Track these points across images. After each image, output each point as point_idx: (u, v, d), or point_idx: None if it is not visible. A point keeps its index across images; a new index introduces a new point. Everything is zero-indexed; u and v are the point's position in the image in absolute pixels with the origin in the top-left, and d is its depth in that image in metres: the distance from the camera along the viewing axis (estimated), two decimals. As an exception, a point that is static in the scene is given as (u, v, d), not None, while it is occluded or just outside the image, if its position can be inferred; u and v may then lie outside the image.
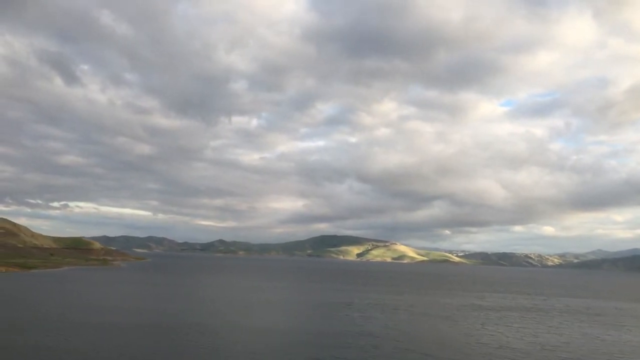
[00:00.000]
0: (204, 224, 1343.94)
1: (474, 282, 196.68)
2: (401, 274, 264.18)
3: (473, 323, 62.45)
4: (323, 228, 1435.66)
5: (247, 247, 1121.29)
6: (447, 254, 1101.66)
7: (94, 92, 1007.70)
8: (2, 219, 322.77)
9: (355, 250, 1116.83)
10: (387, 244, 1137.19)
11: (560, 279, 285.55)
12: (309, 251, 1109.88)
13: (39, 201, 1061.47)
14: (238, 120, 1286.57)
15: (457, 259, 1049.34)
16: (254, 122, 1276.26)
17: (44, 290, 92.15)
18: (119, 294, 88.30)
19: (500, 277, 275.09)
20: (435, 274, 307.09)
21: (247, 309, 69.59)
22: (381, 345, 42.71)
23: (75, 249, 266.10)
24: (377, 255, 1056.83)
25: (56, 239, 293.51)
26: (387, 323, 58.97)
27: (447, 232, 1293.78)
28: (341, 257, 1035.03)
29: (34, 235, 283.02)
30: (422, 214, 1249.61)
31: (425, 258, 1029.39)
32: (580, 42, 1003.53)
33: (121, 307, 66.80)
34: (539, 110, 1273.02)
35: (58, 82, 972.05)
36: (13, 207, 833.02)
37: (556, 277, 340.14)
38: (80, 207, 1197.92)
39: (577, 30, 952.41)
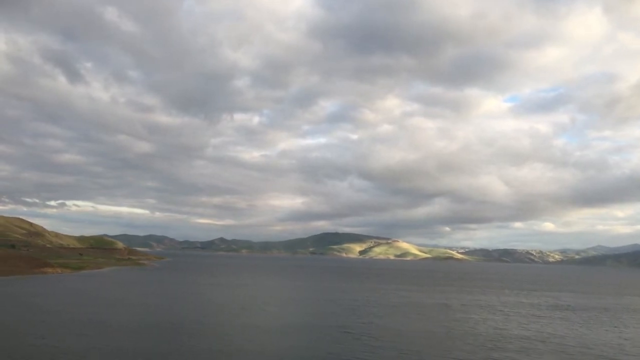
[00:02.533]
0: (202, 222, 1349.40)
1: (502, 280, 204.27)
2: (420, 272, 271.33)
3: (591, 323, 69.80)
4: (322, 226, 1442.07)
5: (249, 246, 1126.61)
6: (450, 251, 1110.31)
7: (96, 90, 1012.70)
8: (18, 218, 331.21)
9: (358, 247, 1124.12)
10: (389, 241, 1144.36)
11: (576, 276, 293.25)
12: (311, 249, 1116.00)
13: (36, 200, 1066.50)
14: (240, 117, 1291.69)
15: (460, 256, 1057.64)
16: (256, 119, 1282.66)
17: (116, 290, 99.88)
18: (185, 294, 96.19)
19: (518, 274, 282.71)
20: (450, 271, 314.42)
21: (311, 308, 77.07)
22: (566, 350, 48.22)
23: (100, 249, 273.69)
24: (380, 252, 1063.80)
25: (79, 239, 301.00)
26: (513, 325, 65.68)
27: (447, 229, 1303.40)
28: (344, 254, 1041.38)
29: (57, 235, 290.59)
30: (422, 211, 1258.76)
31: (428, 255, 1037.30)
32: (589, 37, 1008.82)
33: (202, 306, 74.78)
34: (544, 105, 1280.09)
35: (61, 80, 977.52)
36: (10, 206, 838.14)
37: (569, 273, 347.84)
38: (78, 206, 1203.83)
39: (586, 25, 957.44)
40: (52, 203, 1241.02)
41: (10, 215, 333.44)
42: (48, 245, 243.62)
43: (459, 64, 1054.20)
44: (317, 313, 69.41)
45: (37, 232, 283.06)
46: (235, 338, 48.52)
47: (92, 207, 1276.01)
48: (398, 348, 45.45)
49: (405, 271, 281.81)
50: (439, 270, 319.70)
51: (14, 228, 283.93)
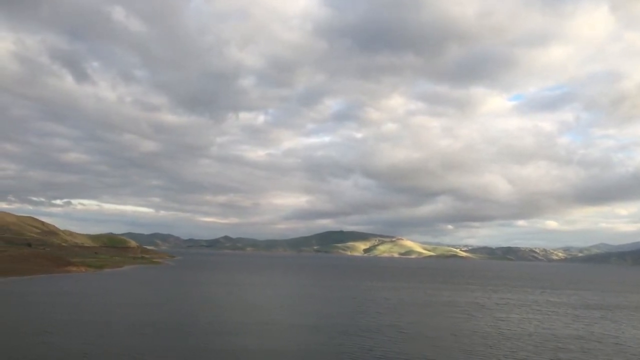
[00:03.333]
0: (206, 220, 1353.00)
1: (517, 278, 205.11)
2: (431, 269, 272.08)
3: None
4: (326, 224, 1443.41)
5: (254, 244, 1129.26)
6: (454, 249, 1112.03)
7: (103, 90, 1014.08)
8: (30, 217, 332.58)
9: (362, 245, 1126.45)
10: (393, 239, 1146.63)
11: (586, 274, 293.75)
12: (315, 247, 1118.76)
13: (42, 199, 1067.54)
14: (245, 116, 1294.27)
15: (463, 254, 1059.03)
16: (261, 118, 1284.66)
17: (146, 289, 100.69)
18: (218, 294, 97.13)
19: (529, 272, 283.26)
20: (459, 268, 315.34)
21: (357, 308, 77.92)
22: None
23: (113, 247, 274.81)
24: (384, 250, 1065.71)
25: (92, 237, 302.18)
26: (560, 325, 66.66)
27: (450, 226, 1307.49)
28: (348, 252, 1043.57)
29: (71, 234, 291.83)
30: (425, 209, 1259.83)
31: (432, 253, 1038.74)
32: (595, 35, 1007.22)
33: (235, 304, 75.65)
34: (549, 104, 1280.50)
35: (68, 79, 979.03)
36: (16, 205, 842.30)
37: (578, 271, 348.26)
38: (83, 205, 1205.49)
39: (592, 23, 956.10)
40: (58, 202, 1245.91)
41: (20, 214, 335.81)
42: (63, 244, 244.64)
43: (464, 62, 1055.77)
44: (364, 312, 69.98)
45: (51, 231, 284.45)
46: (293, 337, 49.20)
47: (98, 205, 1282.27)
48: (464, 349, 46.02)
49: (416, 269, 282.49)
50: (449, 268, 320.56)
51: (27, 227, 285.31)
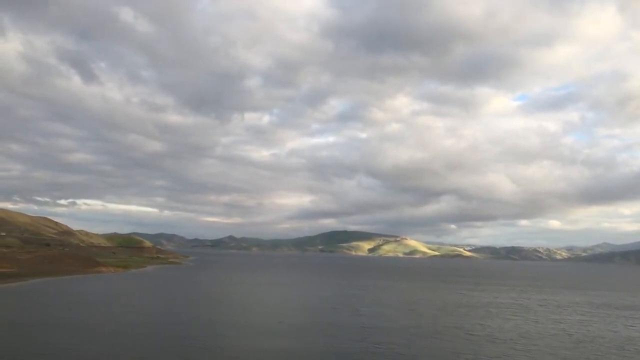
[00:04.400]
0: (210, 220, 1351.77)
1: (535, 277, 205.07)
2: (444, 269, 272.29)
3: None
4: (329, 224, 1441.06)
5: (259, 244, 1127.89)
6: (458, 249, 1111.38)
7: (110, 90, 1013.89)
8: (43, 218, 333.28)
9: (366, 245, 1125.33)
10: (397, 239, 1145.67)
11: (597, 273, 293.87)
12: (320, 247, 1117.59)
13: (47, 199, 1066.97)
14: (250, 116, 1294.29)
15: (468, 253, 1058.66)
16: (266, 118, 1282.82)
17: (185, 289, 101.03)
18: (258, 294, 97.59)
19: (541, 272, 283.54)
20: (470, 268, 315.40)
21: (410, 309, 78.32)
22: None
23: (129, 247, 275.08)
24: (389, 250, 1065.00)
25: (108, 237, 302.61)
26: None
27: (453, 226, 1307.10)
28: (352, 252, 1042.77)
29: (87, 234, 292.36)
30: (428, 209, 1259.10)
31: (436, 253, 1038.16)
32: (601, 35, 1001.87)
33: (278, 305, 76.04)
34: (554, 104, 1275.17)
35: (76, 80, 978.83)
36: (20, 205, 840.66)
37: (588, 271, 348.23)
38: (88, 205, 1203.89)
39: (599, 23, 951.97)
40: (63, 202, 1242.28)
41: (33, 215, 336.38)
42: (81, 244, 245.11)
43: (470, 62, 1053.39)
44: (421, 314, 70.55)
45: (67, 231, 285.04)
46: (374, 340, 49.54)
47: (102, 205, 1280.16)
48: (553, 353, 46.45)
49: (430, 269, 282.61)
50: (461, 268, 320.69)
51: (42, 227, 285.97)
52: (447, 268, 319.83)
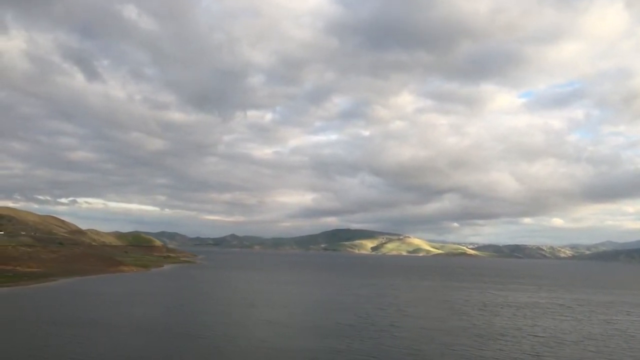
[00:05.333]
0: (211, 218, 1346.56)
1: (556, 277, 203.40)
2: (458, 268, 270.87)
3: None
4: (331, 222, 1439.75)
5: (261, 242, 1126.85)
6: (462, 247, 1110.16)
7: (113, 88, 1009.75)
8: (50, 216, 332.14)
9: (369, 243, 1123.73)
10: (400, 237, 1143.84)
11: (610, 272, 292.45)
12: (323, 245, 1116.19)
13: (48, 197, 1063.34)
14: (253, 114, 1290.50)
15: (471, 252, 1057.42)
16: (269, 116, 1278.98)
17: (219, 289, 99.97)
18: (279, 292, 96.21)
19: (555, 271, 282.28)
20: (480, 267, 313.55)
21: (458, 311, 77.21)
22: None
23: (139, 246, 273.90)
24: (392, 248, 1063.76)
25: (117, 236, 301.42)
26: None
27: (455, 224, 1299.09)
28: (356, 250, 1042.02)
29: (97, 232, 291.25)
30: (431, 207, 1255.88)
31: (440, 251, 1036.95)
32: (608, 32, 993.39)
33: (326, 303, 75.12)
34: (559, 101, 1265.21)
35: (79, 78, 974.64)
36: (21, 204, 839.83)
37: (598, 269, 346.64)
38: (89, 203, 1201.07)
39: (606, 20, 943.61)
40: (64, 200, 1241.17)
41: (41, 214, 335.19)
42: (93, 243, 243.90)
43: (475, 59, 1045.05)
44: (472, 315, 69.62)
45: (79, 231, 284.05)
46: (445, 342, 48.49)
47: (103, 204, 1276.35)
48: (631, 355, 45.38)
49: (441, 267, 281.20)
50: (471, 266, 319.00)
51: (52, 226, 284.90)
52: (458, 266, 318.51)
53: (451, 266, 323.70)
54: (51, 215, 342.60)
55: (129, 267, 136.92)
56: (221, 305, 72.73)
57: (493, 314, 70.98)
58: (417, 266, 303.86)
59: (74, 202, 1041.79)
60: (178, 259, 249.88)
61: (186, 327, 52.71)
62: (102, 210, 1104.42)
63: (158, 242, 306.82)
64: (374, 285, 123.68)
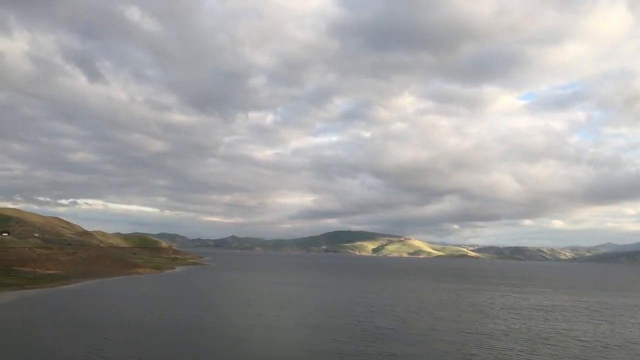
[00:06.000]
0: (211, 220, 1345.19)
1: (567, 279, 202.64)
2: (465, 270, 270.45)
3: None
4: (331, 223, 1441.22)
5: (262, 243, 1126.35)
6: (462, 249, 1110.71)
7: (115, 89, 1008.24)
8: (55, 218, 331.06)
9: (370, 245, 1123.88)
10: (401, 238, 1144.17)
11: (617, 274, 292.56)
12: (324, 247, 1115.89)
13: (48, 198, 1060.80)
14: (254, 115, 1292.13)
15: (472, 254, 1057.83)
16: (270, 117, 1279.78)
17: (244, 291, 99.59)
18: (300, 294, 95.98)
19: (561, 273, 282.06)
20: (486, 269, 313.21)
21: (492, 315, 77.02)
22: None
23: (146, 248, 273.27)
24: (393, 250, 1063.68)
25: (124, 238, 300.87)
26: None
27: (455, 226, 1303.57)
28: (357, 252, 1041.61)
29: (104, 234, 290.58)
30: (432, 209, 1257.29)
31: (441, 253, 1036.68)
32: (611, 33, 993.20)
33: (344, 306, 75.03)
34: (560, 102, 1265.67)
35: (81, 79, 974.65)
36: (21, 205, 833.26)
37: (604, 271, 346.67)
38: (89, 204, 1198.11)
39: (609, 21, 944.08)
40: (64, 201, 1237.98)
41: (46, 215, 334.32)
42: (102, 245, 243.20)
43: (478, 60, 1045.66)
44: (503, 318, 69.33)
45: (86, 232, 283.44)
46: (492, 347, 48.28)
47: (103, 205, 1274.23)
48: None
49: (450, 269, 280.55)
50: (477, 268, 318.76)
51: (58, 227, 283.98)
52: (464, 268, 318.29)
53: (456, 268, 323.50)
54: (55, 216, 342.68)
55: (143, 269, 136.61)
56: (251, 307, 72.38)
57: (526, 318, 70.71)
58: (423, 268, 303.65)
59: (74, 203, 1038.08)
60: (185, 260, 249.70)
61: (228, 330, 52.56)
62: (102, 211, 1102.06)
63: (164, 244, 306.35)
64: (392, 287, 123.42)
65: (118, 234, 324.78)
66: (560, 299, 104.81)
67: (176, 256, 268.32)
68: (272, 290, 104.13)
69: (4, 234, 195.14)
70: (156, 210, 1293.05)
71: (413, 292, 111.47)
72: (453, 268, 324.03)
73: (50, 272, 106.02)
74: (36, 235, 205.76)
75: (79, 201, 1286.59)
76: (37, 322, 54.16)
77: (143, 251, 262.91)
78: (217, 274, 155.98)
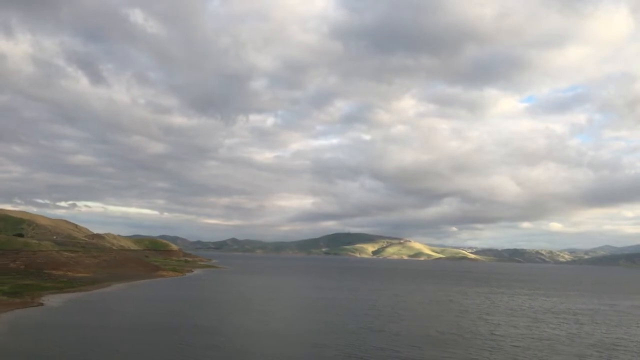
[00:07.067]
0: (210, 222, 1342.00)
1: (578, 282, 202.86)
2: (472, 273, 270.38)
3: None
4: (330, 226, 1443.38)
5: (262, 246, 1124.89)
6: (462, 251, 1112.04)
7: (117, 92, 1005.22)
8: (62, 220, 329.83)
9: (370, 247, 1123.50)
10: (401, 241, 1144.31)
11: (621, 276, 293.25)
12: (324, 249, 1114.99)
13: (47, 201, 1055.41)
14: (254, 118, 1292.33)
15: (472, 256, 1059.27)
16: (270, 120, 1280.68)
17: (285, 295, 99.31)
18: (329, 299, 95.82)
19: (566, 275, 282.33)
20: (490, 272, 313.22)
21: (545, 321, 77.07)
22: None
23: (156, 250, 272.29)
24: (393, 252, 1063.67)
25: (135, 241, 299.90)
26: None
27: (454, 228, 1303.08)
28: (357, 254, 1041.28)
29: (115, 237, 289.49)
30: (431, 211, 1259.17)
31: (441, 255, 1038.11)
32: (613, 36, 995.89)
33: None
34: (561, 105, 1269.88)
35: (84, 82, 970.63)
36: (20, 207, 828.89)
37: (607, 274, 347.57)
38: (89, 207, 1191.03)
39: (611, 24, 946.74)
40: (63, 204, 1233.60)
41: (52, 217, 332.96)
42: (114, 248, 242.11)
43: (480, 64, 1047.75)
44: (554, 324, 69.31)
45: (97, 234, 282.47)
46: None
47: (102, 207, 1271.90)
48: None
49: (459, 272, 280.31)
50: (483, 271, 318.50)
51: (69, 230, 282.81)
52: (473, 271, 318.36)
53: (465, 271, 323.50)
54: (61, 219, 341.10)
55: (166, 272, 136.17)
56: (297, 310, 72.24)
57: (577, 322, 70.76)
58: (431, 270, 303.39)
59: (74, 205, 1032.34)
60: (196, 263, 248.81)
61: (306, 335, 52.35)
62: (101, 213, 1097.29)
63: (174, 247, 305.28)
64: (419, 291, 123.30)
65: (131, 237, 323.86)
66: (592, 302, 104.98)
67: (186, 259, 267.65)
68: (309, 294, 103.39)
69: (19, 237, 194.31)
70: (155, 212, 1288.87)
71: (443, 295, 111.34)
72: (461, 271, 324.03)
73: (81, 275, 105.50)
74: (55, 237, 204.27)
75: (79, 203, 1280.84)
76: (105, 327, 53.73)
77: (154, 254, 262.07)
78: (239, 277, 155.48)
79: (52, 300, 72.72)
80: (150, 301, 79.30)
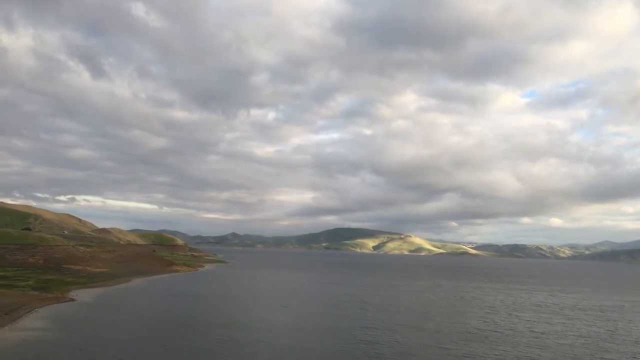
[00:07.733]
0: (209, 217, 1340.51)
1: (586, 277, 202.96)
2: (481, 269, 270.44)
3: None
4: (330, 220, 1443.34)
5: (262, 241, 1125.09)
6: (463, 246, 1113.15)
7: (119, 86, 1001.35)
8: (66, 215, 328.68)
9: (370, 242, 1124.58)
10: (401, 236, 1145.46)
11: (626, 272, 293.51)
12: (324, 244, 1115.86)
13: (47, 195, 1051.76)
14: (255, 112, 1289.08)
15: (473, 251, 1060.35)
16: (271, 114, 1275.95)
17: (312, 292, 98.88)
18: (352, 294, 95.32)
19: (574, 271, 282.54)
20: (497, 267, 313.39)
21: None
22: None
23: (163, 245, 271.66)
24: (394, 247, 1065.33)
25: (141, 235, 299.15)
26: None
27: (454, 224, 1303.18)
28: (357, 249, 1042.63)
29: (122, 231, 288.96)
30: (431, 206, 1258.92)
31: (442, 250, 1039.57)
32: (616, 31, 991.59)
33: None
34: (563, 101, 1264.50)
35: (85, 75, 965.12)
36: (20, 201, 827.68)
37: (612, 269, 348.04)
38: (88, 201, 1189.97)
39: (615, 19, 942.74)
40: (62, 198, 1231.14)
41: (56, 211, 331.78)
42: (121, 242, 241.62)
43: (482, 58, 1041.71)
44: (588, 321, 68.98)
45: (104, 229, 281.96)
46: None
47: (102, 202, 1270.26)
48: None
49: (462, 267, 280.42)
50: (489, 267, 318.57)
51: (75, 225, 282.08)
52: (480, 267, 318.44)
53: (472, 266, 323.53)
54: (65, 213, 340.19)
55: (180, 267, 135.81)
56: (326, 306, 71.76)
57: (604, 319, 70.47)
58: (438, 266, 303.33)
59: (73, 199, 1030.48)
60: (203, 258, 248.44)
61: (349, 330, 51.89)
62: (100, 208, 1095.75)
63: (180, 241, 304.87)
64: (435, 287, 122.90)
65: (137, 231, 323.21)
66: (613, 299, 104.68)
67: (193, 254, 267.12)
68: (331, 291, 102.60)
69: (27, 231, 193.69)
70: (154, 207, 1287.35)
71: (462, 291, 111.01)
72: (466, 266, 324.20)
73: (99, 270, 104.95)
74: (66, 232, 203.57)
75: (78, 197, 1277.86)
76: (142, 322, 53.23)
77: (162, 249, 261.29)
78: (251, 273, 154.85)
79: (81, 295, 72.27)
80: (177, 297, 78.77)
